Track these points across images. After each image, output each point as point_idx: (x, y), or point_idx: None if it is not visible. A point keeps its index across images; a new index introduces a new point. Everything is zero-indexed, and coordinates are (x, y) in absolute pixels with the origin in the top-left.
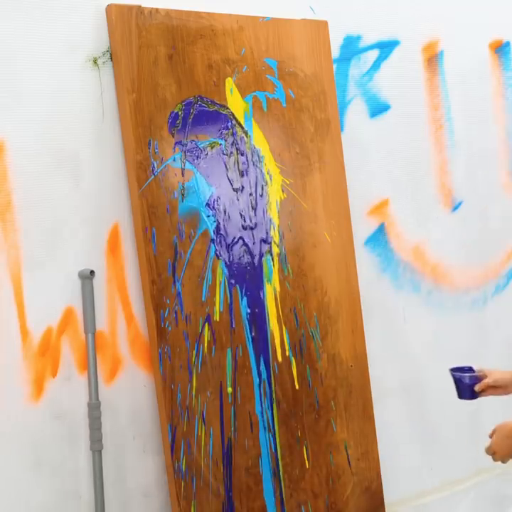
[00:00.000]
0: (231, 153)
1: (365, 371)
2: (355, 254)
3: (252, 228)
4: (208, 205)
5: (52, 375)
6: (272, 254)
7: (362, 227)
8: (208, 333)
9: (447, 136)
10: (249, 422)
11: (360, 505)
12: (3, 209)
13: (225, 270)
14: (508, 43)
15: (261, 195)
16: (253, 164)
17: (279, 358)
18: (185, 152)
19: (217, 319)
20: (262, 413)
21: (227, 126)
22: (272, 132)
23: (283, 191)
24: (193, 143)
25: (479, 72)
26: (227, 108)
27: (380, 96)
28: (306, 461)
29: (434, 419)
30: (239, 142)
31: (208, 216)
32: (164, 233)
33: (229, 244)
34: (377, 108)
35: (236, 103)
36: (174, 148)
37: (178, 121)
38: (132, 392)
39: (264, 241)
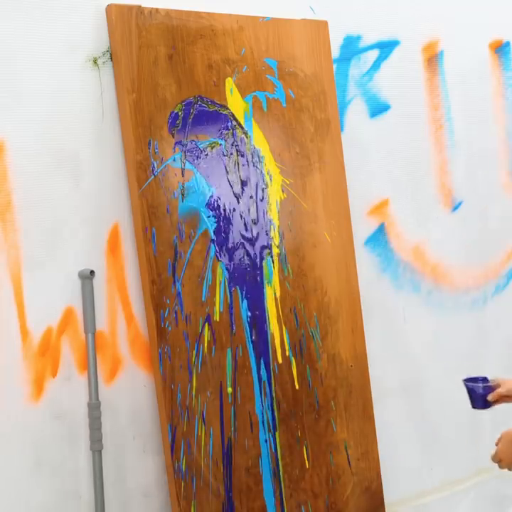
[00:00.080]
0: (231, 153)
1: (365, 371)
2: (355, 254)
3: (252, 228)
4: (208, 205)
5: (52, 375)
6: (272, 255)
7: (362, 227)
8: (207, 333)
9: (447, 136)
10: (249, 422)
11: (360, 505)
12: (3, 209)
13: (225, 270)
14: (508, 43)
15: (261, 196)
16: (253, 164)
17: (279, 358)
18: (185, 152)
19: (217, 319)
20: (262, 413)
21: (227, 127)
22: (271, 132)
23: (283, 191)
24: (193, 143)
25: (479, 72)
26: (227, 108)
27: (380, 96)
28: (306, 461)
29: (434, 419)
30: (239, 142)
31: (208, 216)
32: (164, 233)
33: (229, 244)
34: (377, 108)
35: (236, 103)
36: (174, 148)
37: (178, 122)
38: (132, 392)
39: (264, 241)
